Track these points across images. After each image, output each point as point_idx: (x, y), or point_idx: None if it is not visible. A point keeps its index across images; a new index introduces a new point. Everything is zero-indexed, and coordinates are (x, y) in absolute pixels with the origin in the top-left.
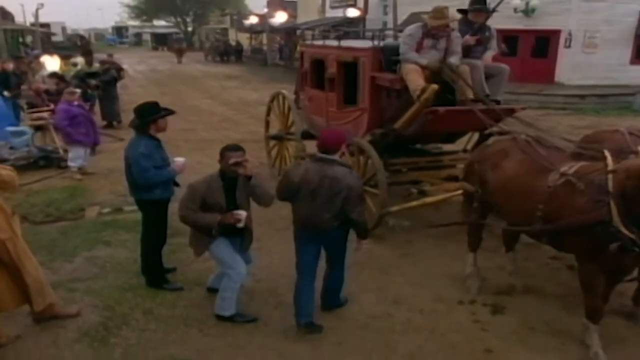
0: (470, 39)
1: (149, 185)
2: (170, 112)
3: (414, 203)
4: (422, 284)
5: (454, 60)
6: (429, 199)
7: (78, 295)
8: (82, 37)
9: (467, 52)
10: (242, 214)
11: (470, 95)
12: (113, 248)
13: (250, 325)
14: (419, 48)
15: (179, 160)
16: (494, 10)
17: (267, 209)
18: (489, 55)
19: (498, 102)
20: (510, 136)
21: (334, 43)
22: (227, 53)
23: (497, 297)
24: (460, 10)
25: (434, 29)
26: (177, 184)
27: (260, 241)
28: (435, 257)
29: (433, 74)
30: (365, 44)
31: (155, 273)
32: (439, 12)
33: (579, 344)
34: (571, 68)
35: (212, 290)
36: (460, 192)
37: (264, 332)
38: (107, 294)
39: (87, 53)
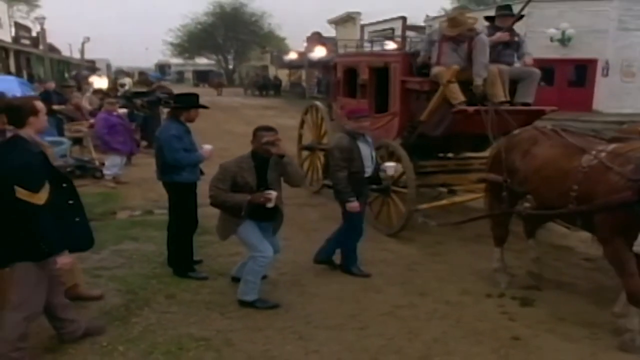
0: (502, 36)
1: (179, 165)
2: (203, 106)
3: (444, 202)
4: (449, 280)
5: (481, 72)
6: (458, 198)
7: (102, 281)
8: (141, 73)
9: (497, 56)
10: (273, 193)
11: (502, 97)
12: (140, 243)
13: (271, 311)
14: (439, 53)
15: (207, 147)
16: (520, 16)
17: (296, 212)
18: (528, 58)
19: (528, 105)
20: (537, 126)
21: (367, 51)
22: (265, 87)
23: (526, 291)
24: (487, 18)
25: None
26: (201, 172)
27: (288, 240)
28: (463, 257)
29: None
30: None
31: (182, 259)
32: (455, 21)
33: (612, 334)
34: (609, 96)
35: (236, 280)
36: None
37: (285, 318)
38: (131, 281)
39: (145, 81)
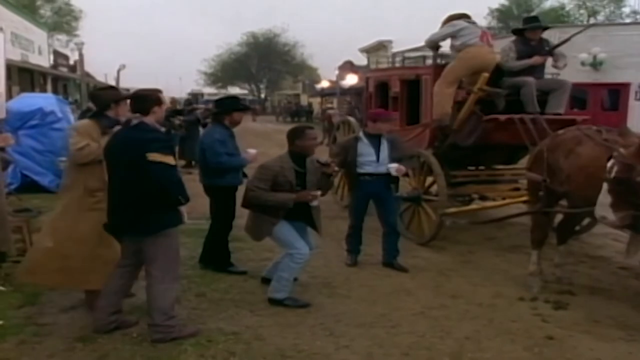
0: (537, 60)
1: (221, 169)
2: (246, 107)
3: (474, 206)
4: (481, 284)
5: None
6: (488, 204)
7: None
8: (187, 100)
9: (532, 70)
10: (317, 192)
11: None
12: None
13: (301, 310)
14: None
15: (252, 151)
16: (546, 27)
17: (328, 224)
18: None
19: (559, 115)
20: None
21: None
22: (298, 114)
23: (559, 296)
24: (515, 31)
25: None
26: (245, 175)
27: (319, 248)
28: (496, 264)
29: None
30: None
31: (222, 256)
32: None
33: None
34: None
35: (266, 281)
36: (520, 199)
37: (315, 316)
38: None
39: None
